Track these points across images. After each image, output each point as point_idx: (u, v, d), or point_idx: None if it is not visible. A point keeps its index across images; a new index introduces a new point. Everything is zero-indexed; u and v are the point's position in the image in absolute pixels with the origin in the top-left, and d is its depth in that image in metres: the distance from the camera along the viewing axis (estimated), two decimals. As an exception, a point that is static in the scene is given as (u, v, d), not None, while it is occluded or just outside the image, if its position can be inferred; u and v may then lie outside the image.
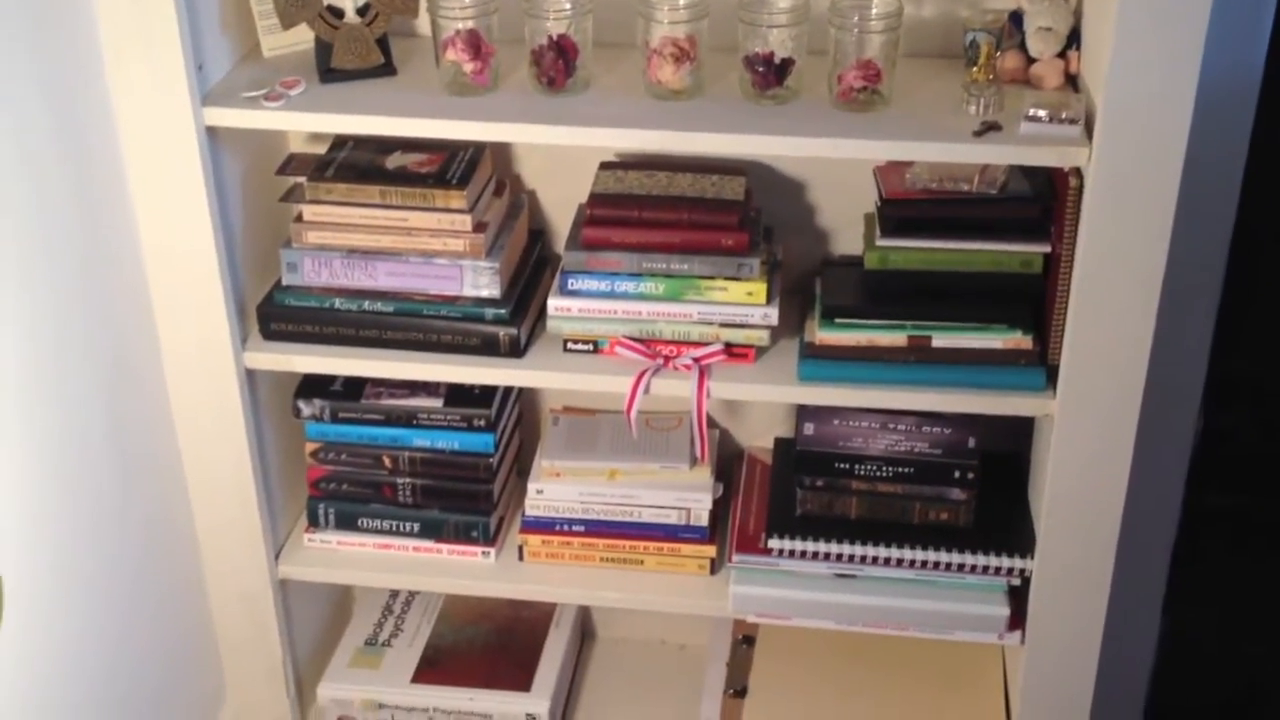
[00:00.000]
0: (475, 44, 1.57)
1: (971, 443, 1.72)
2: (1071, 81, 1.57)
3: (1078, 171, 1.50)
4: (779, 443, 1.92)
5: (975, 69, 1.54)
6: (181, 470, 1.76)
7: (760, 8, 1.53)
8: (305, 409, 1.81)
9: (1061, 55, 1.56)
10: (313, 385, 1.81)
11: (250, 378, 1.73)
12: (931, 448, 1.73)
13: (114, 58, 1.52)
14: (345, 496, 1.85)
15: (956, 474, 1.72)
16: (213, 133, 1.58)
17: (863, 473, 1.75)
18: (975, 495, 1.73)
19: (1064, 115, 1.46)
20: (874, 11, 1.52)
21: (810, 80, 1.56)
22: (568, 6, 1.55)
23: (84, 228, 1.53)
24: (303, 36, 1.64)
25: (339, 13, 1.61)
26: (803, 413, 1.76)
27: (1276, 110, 1.65)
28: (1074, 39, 1.56)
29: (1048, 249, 1.59)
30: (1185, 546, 1.83)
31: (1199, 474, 1.79)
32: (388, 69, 1.64)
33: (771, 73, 1.54)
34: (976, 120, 1.50)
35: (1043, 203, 1.59)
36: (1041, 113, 1.47)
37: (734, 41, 1.55)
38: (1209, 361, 1.72)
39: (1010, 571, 1.72)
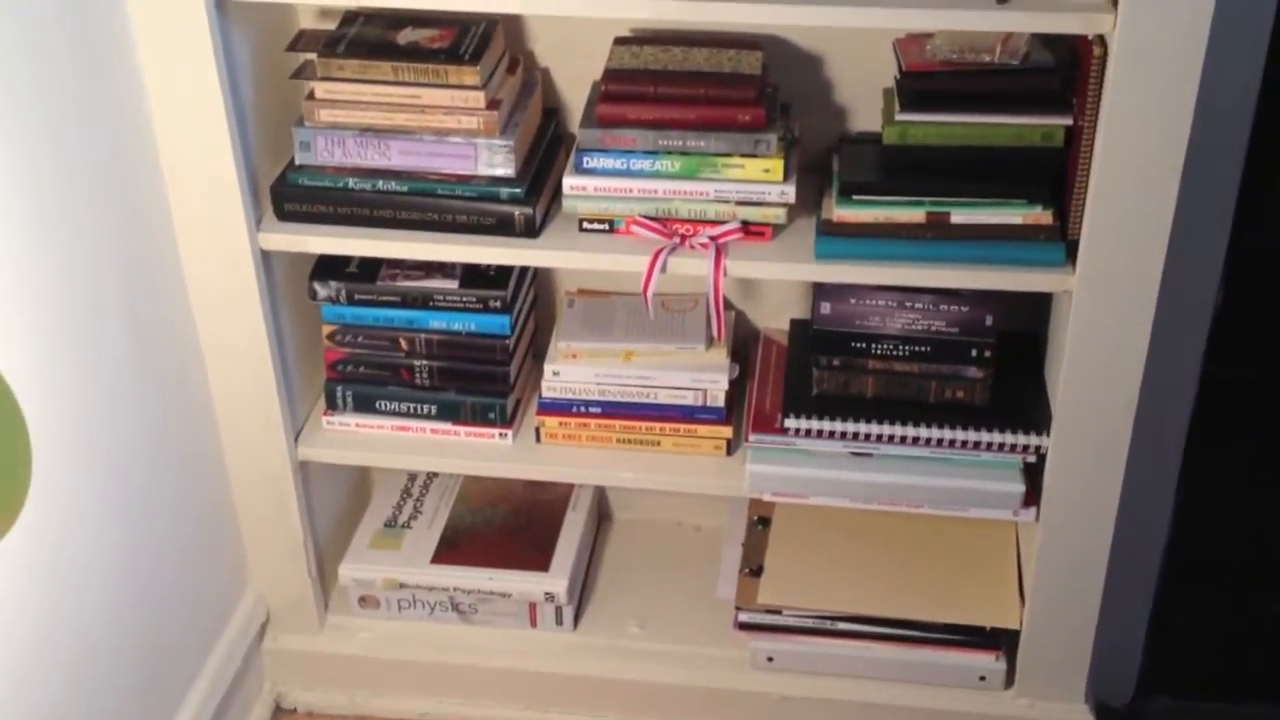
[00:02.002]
0: (487, -86, 1.54)
1: (989, 321, 1.71)
2: (1097, -53, 1.53)
3: (1101, 40, 1.47)
4: (795, 324, 1.92)
5: (998, -65, 1.51)
6: (200, 353, 1.76)
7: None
8: (321, 291, 1.81)
9: (1087, -80, 1.52)
10: (328, 267, 1.81)
11: (265, 259, 1.72)
12: (948, 326, 1.72)
13: (120, -70, 1.49)
14: (363, 379, 1.86)
15: (973, 352, 1.72)
16: (221, 7, 1.56)
17: (879, 352, 1.74)
18: (992, 374, 1.73)
19: (1089, -19, 1.43)
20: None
21: (829, -52, 1.52)
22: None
23: (93, 108, 1.51)
24: (311, -92, 1.62)
25: (347, -117, 1.58)
26: (819, 292, 1.75)
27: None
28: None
29: (1069, 121, 1.57)
30: (1202, 422, 1.83)
31: (1218, 349, 1.78)
32: (398, -59, 1.61)
33: (789, -59, 1.51)
34: (999, -13, 1.47)
35: (1065, 73, 1.57)
36: (1066, -22, 1.44)
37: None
38: (1230, 234, 1.70)
39: (1026, 449, 1.72)
